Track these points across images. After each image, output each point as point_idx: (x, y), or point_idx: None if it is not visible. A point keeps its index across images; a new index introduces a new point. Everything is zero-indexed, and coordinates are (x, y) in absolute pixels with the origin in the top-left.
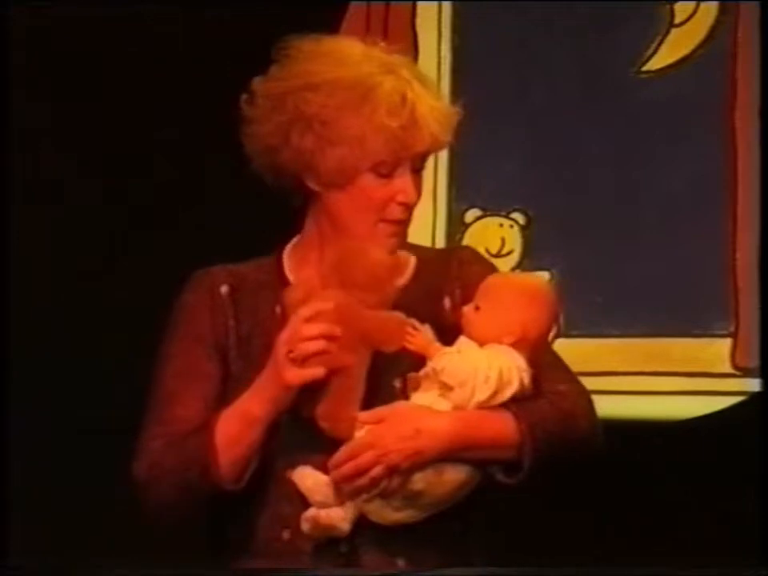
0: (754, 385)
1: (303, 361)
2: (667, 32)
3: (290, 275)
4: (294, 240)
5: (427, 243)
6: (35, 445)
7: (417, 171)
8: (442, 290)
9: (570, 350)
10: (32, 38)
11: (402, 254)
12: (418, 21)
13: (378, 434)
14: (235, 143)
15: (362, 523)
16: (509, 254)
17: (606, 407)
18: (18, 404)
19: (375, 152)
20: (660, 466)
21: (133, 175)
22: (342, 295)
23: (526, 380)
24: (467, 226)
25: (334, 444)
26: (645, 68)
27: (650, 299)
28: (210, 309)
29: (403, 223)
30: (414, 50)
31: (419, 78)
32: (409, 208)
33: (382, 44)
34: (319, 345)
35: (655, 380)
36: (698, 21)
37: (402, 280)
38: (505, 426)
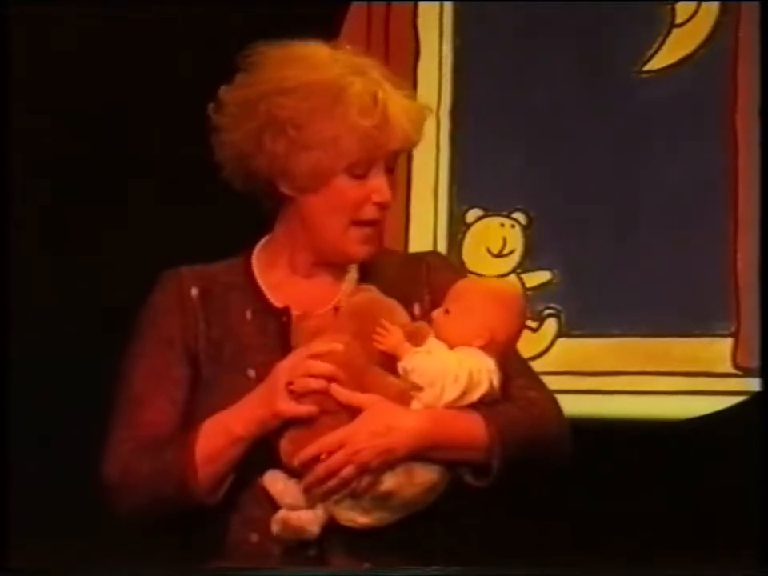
0: (755, 385)
1: (301, 395)
2: (668, 32)
3: (259, 277)
4: (263, 241)
5: (428, 243)
6: (35, 445)
7: (390, 171)
8: (411, 296)
9: (571, 349)
10: (32, 38)
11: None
12: (420, 21)
13: (349, 431)
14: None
15: (330, 527)
16: (510, 253)
17: (607, 407)
18: (18, 404)
19: (349, 152)
20: (661, 465)
21: (129, 174)
22: (352, 342)
23: (496, 382)
24: (468, 226)
25: None
26: (646, 68)
27: (650, 299)
28: (180, 311)
29: (377, 226)
30: (415, 51)
31: (389, 78)
32: (383, 208)
33: (349, 47)
34: (321, 384)
35: (656, 380)
36: (699, 21)
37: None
38: (474, 428)
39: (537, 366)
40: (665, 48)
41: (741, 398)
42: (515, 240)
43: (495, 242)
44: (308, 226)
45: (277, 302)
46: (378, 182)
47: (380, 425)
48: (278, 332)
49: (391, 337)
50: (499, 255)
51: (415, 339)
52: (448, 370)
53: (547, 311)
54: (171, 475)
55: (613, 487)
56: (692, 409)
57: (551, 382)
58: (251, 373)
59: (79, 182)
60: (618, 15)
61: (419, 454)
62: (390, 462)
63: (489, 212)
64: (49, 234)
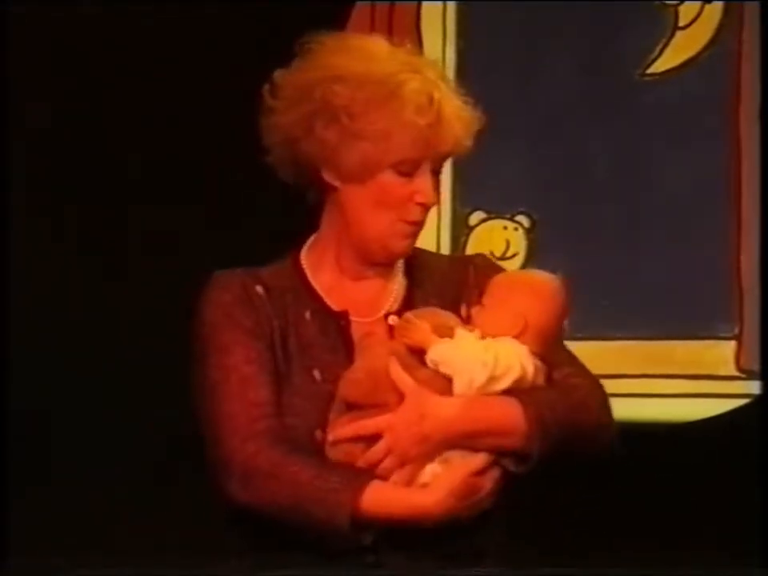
0: (758, 387)
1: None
2: (672, 35)
3: (312, 279)
4: (309, 242)
5: (431, 246)
6: (35, 445)
7: (436, 173)
8: (459, 298)
9: (575, 352)
10: (32, 37)
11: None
12: (423, 23)
13: (387, 420)
14: (241, 147)
15: (386, 533)
16: (513, 256)
17: None
18: (18, 404)
19: (400, 149)
20: (664, 468)
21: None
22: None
23: (530, 368)
24: (471, 228)
25: None
26: (649, 70)
27: (654, 302)
28: (251, 306)
29: (420, 225)
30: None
31: (444, 79)
32: (426, 209)
33: (408, 45)
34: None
35: (659, 382)
36: (702, 23)
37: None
38: (512, 413)
39: None
40: (668, 50)
41: (744, 401)
42: (518, 243)
43: (498, 245)
44: (350, 219)
45: (334, 305)
46: (423, 182)
47: (415, 413)
48: (338, 334)
49: (417, 331)
50: (502, 258)
51: (445, 333)
52: (474, 357)
53: None
54: (332, 499)
55: (615, 489)
56: (695, 412)
57: None
58: (317, 374)
59: (81, 182)
60: (621, 18)
61: (457, 442)
62: (428, 451)
63: (492, 215)
64: (51, 234)
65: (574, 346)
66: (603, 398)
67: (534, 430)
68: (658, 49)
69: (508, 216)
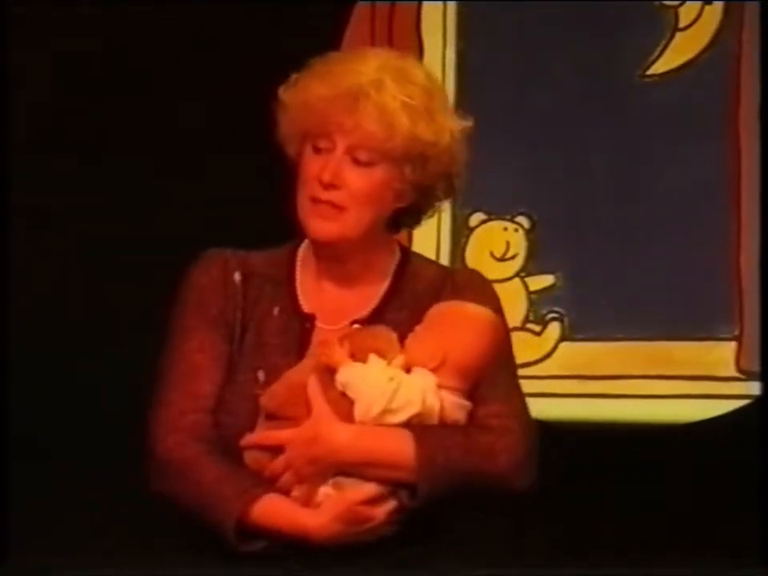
0: (758, 388)
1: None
2: (672, 36)
3: (299, 275)
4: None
5: (432, 247)
6: (35, 445)
7: (362, 164)
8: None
9: (574, 353)
10: (32, 37)
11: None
12: (423, 25)
13: (290, 434)
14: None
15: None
16: (513, 257)
17: (610, 411)
18: (18, 404)
19: (309, 120)
20: (664, 469)
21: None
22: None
23: (436, 405)
24: (472, 229)
25: None
26: (649, 72)
27: (654, 302)
28: (223, 294)
29: (335, 209)
30: (418, 54)
31: (422, 92)
32: (327, 188)
33: (405, 55)
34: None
35: (659, 383)
36: (702, 25)
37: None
38: (402, 448)
39: (539, 369)
40: (668, 52)
41: (744, 402)
42: (518, 244)
43: (498, 246)
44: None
45: (305, 306)
46: (329, 160)
47: (311, 433)
48: (298, 337)
49: (334, 350)
50: (502, 259)
51: (361, 357)
52: (376, 386)
53: (550, 315)
54: (222, 506)
55: (615, 490)
56: (695, 412)
57: (554, 386)
58: (261, 375)
59: (81, 182)
60: (621, 19)
61: (346, 469)
62: (318, 472)
63: (492, 216)
64: (51, 234)
65: (573, 347)
66: (520, 444)
67: (423, 468)
68: (657, 50)
69: (508, 217)
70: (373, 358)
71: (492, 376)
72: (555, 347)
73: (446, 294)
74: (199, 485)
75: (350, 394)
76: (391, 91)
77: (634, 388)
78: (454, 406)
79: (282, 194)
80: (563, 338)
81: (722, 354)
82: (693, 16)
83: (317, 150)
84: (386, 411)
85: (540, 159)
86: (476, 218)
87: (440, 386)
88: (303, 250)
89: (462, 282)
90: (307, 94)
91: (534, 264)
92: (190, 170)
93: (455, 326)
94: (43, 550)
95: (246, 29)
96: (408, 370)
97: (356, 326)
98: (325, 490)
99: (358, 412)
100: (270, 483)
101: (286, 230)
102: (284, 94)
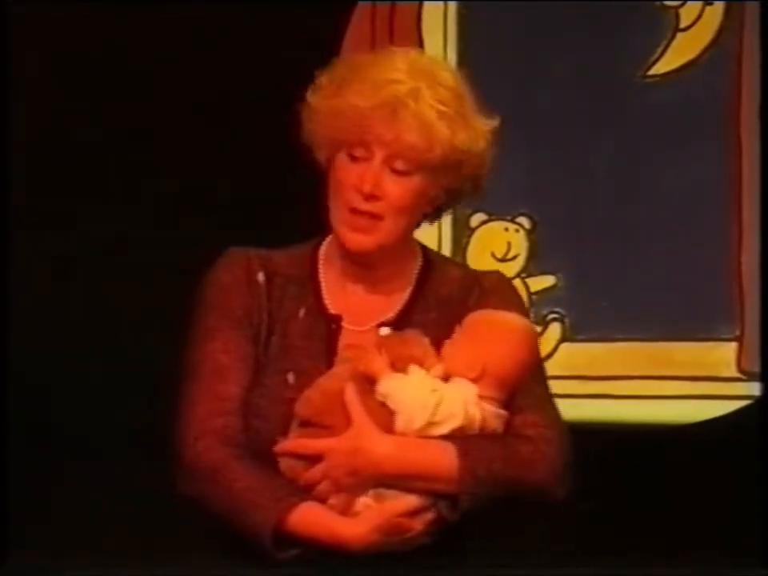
0: (758, 389)
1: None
2: (673, 36)
3: (322, 275)
4: (330, 237)
5: (433, 248)
6: (35, 445)
7: (400, 173)
8: (458, 317)
9: (575, 354)
10: (32, 37)
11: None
12: (424, 25)
13: (330, 444)
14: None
15: None
16: (514, 258)
17: (611, 411)
18: (18, 404)
19: (346, 128)
20: (665, 469)
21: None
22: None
23: (477, 417)
24: (473, 230)
25: None
26: (650, 72)
27: (655, 303)
28: (247, 294)
29: (374, 219)
30: None
31: (452, 97)
32: (367, 199)
33: (435, 56)
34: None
35: (660, 384)
36: (703, 25)
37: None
38: (445, 461)
39: None
40: (669, 52)
41: (745, 403)
42: (519, 244)
43: (499, 247)
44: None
45: (331, 307)
46: (367, 169)
47: (352, 444)
48: (325, 338)
49: (372, 360)
50: (503, 260)
51: (400, 366)
52: (418, 399)
53: (551, 315)
54: (259, 514)
55: (616, 491)
56: (696, 413)
57: (555, 387)
58: (291, 378)
59: (81, 182)
60: (622, 19)
61: (387, 481)
62: (359, 483)
63: (493, 216)
64: (51, 234)
65: (575, 348)
66: (556, 453)
67: (465, 481)
68: (658, 50)
69: (509, 218)
70: (413, 369)
71: (527, 385)
72: (556, 348)
73: (473, 298)
74: (231, 490)
75: (390, 405)
76: (428, 100)
77: (635, 389)
78: (493, 416)
79: (282, 194)
80: (564, 338)
81: (722, 355)
82: (694, 16)
83: (353, 159)
84: (429, 424)
85: (541, 160)
86: (477, 218)
87: (479, 397)
88: (325, 247)
89: (489, 286)
90: (341, 101)
91: (534, 265)
92: (189, 170)
93: (495, 336)
94: (43, 550)
95: (247, 29)
96: (446, 379)
97: (384, 328)
98: (364, 501)
99: (400, 424)
100: (305, 491)
101: (284, 230)
102: (312, 98)
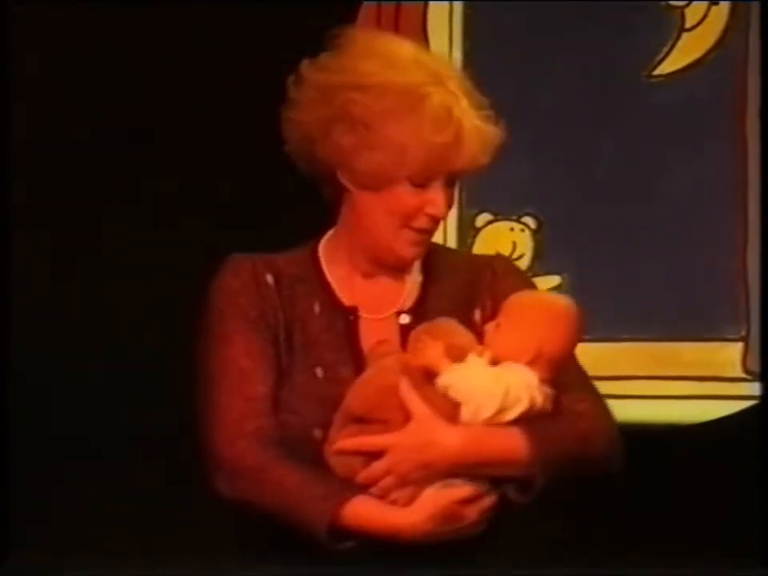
0: (758, 389)
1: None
2: (678, 36)
3: (326, 270)
4: (328, 234)
5: None
6: (35, 445)
7: (450, 186)
8: (474, 300)
9: (581, 354)
10: (32, 37)
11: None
12: (429, 25)
13: (393, 439)
14: (241, 147)
15: None
16: (520, 258)
17: (617, 412)
18: (18, 404)
19: (414, 163)
20: (670, 469)
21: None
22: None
23: (540, 399)
24: (478, 230)
25: None
26: (655, 72)
27: (660, 303)
28: (259, 296)
29: (427, 233)
30: None
31: (467, 92)
32: (436, 220)
33: (434, 51)
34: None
35: (666, 384)
36: (708, 25)
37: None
38: (515, 445)
39: None
40: (674, 52)
41: (751, 403)
42: (525, 244)
43: (505, 247)
44: (362, 223)
45: (345, 300)
46: (435, 195)
47: (421, 438)
48: (345, 331)
49: (430, 351)
50: None
51: (458, 355)
52: (484, 387)
53: None
54: (313, 508)
55: (620, 490)
56: (702, 413)
57: None
58: (319, 372)
59: (81, 182)
60: (627, 19)
61: (460, 472)
62: (429, 476)
63: (498, 216)
64: (51, 234)
65: (580, 348)
66: (609, 425)
67: (537, 464)
68: (664, 51)
69: (514, 217)
70: (471, 358)
71: (568, 362)
72: None
73: (487, 281)
74: (281, 487)
75: (454, 395)
76: (469, 110)
77: (641, 389)
78: (548, 397)
79: (282, 194)
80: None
81: (728, 355)
82: (699, 16)
83: (416, 185)
84: (499, 411)
85: (546, 160)
86: (482, 218)
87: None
88: (324, 247)
89: (501, 270)
90: (409, 136)
91: (540, 265)
92: (190, 170)
93: (543, 317)
94: (43, 550)
95: (248, 29)
96: (496, 365)
97: (403, 315)
98: (427, 492)
99: (467, 414)
100: (361, 487)
101: (285, 230)
102: (371, 134)
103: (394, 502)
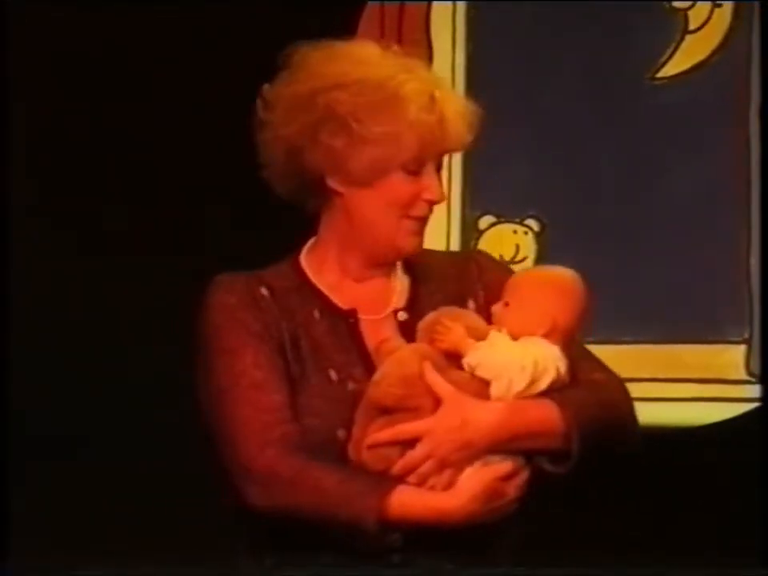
0: (758, 391)
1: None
2: (681, 38)
3: (314, 279)
4: (309, 244)
5: (442, 250)
6: (35, 445)
7: (438, 169)
8: (465, 292)
9: None
10: (32, 37)
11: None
12: (433, 26)
13: (427, 425)
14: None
15: (413, 533)
16: (523, 260)
17: None
18: (18, 404)
19: (409, 148)
20: (673, 472)
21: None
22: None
23: (563, 369)
24: (481, 232)
25: None
26: (659, 74)
27: (664, 305)
28: (257, 308)
29: (425, 221)
30: (428, 57)
31: (437, 79)
32: (433, 205)
33: (395, 47)
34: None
35: (668, 386)
36: (712, 27)
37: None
38: (550, 415)
39: None
40: (678, 54)
41: (753, 405)
42: (528, 247)
43: (508, 249)
44: (357, 222)
45: (340, 304)
46: (430, 179)
47: (457, 419)
48: (348, 333)
49: (452, 334)
50: (512, 262)
51: (477, 334)
52: (513, 361)
53: None
54: (359, 502)
55: (622, 492)
56: (705, 415)
57: None
58: (333, 374)
59: (81, 182)
60: (631, 21)
61: (499, 447)
62: (470, 456)
63: (501, 219)
64: (51, 234)
65: None
66: (626, 392)
67: (572, 431)
68: (667, 52)
69: (517, 220)
70: (493, 335)
71: (575, 335)
72: None
73: (474, 274)
74: (321, 490)
75: (483, 374)
76: (449, 93)
77: (644, 391)
78: (567, 367)
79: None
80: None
81: (731, 357)
82: (703, 18)
83: (410, 172)
84: (530, 384)
85: (549, 162)
86: (485, 220)
87: None
88: (306, 258)
89: (485, 262)
90: (400, 123)
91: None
92: (190, 170)
93: (557, 291)
94: (43, 549)
95: (250, 29)
96: (515, 340)
97: (401, 313)
98: (467, 472)
99: (499, 390)
100: (399, 477)
101: (284, 230)
102: (358, 126)
103: (432, 488)
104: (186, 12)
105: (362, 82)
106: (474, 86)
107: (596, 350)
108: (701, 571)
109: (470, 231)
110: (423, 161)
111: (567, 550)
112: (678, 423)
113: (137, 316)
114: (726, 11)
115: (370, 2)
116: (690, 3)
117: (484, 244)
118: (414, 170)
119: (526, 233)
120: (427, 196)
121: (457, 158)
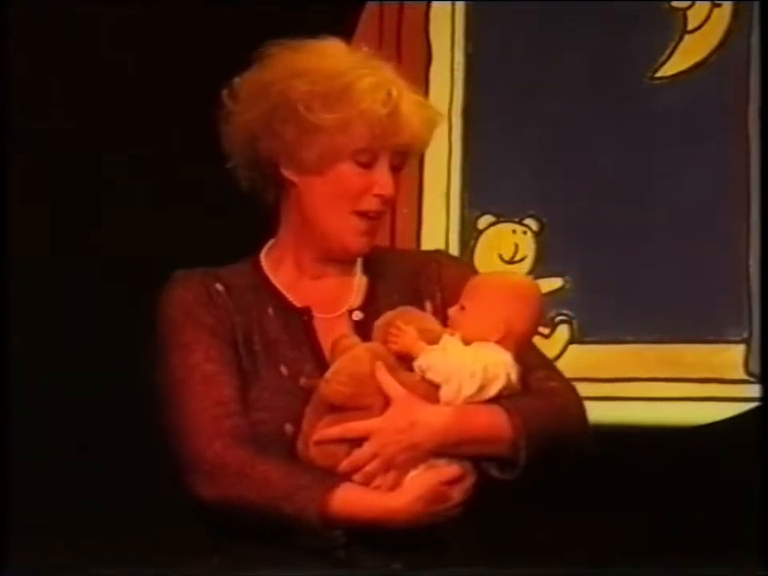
0: (758, 391)
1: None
2: (681, 38)
3: (272, 278)
4: (269, 244)
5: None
6: (35, 445)
7: (396, 169)
8: (422, 293)
9: (584, 356)
10: (32, 37)
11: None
12: (432, 26)
13: (375, 424)
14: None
15: (358, 530)
16: (522, 260)
17: (619, 413)
18: (19, 404)
19: (358, 138)
20: (672, 471)
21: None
22: (381, 345)
23: (514, 375)
24: (480, 232)
25: None
26: (658, 74)
27: (663, 305)
28: (213, 305)
29: (376, 220)
30: (427, 56)
31: (399, 81)
32: (384, 201)
33: (366, 49)
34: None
35: (668, 386)
36: (711, 26)
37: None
38: (497, 421)
39: None
40: (677, 54)
41: (753, 405)
42: (527, 246)
43: (507, 249)
44: (308, 215)
45: (295, 302)
46: (381, 174)
47: (405, 420)
48: (302, 330)
49: (405, 336)
50: (511, 261)
51: (430, 338)
52: (463, 366)
53: (559, 317)
54: (302, 495)
55: (622, 492)
56: (704, 415)
57: None
58: (284, 370)
59: (81, 182)
60: (630, 21)
61: (445, 450)
62: (416, 457)
63: (501, 218)
64: (51, 234)
65: (583, 350)
66: (579, 402)
67: (520, 438)
68: (667, 52)
69: (517, 219)
70: (446, 339)
71: (531, 342)
72: (564, 350)
73: (434, 272)
74: (267, 482)
75: (433, 377)
76: (406, 90)
77: (643, 391)
78: (519, 374)
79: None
80: (572, 340)
81: (730, 357)
82: (702, 18)
83: (360, 164)
84: (480, 389)
85: (549, 161)
86: (485, 220)
87: None
88: (266, 257)
89: (446, 261)
90: (351, 112)
91: (542, 266)
92: (190, 170)
93: (513, 298)
94: (43, 550)
95: (250, 29)
96: (467, 344)
97: (356, 312)
98: (412, 474)
99: (447, 394)
100: (344, 475)
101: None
102: (310, 114)
103: (377, 488)
104: (186, 12)
105: (318, 71)
106: (474, 86)
107: (596, 349)
108: (701, 571)
109: (469, 231)
110: (375, 153)
111: (566, 551)
112: (678, 423)
113: (137, 316)
114: (726, 11)
115: (369, 2)
116: (689, 3)
117: (483, 244)
118: (366, 162)
119: (525, 232)
120: (377, 191)
121: (456, 158)
